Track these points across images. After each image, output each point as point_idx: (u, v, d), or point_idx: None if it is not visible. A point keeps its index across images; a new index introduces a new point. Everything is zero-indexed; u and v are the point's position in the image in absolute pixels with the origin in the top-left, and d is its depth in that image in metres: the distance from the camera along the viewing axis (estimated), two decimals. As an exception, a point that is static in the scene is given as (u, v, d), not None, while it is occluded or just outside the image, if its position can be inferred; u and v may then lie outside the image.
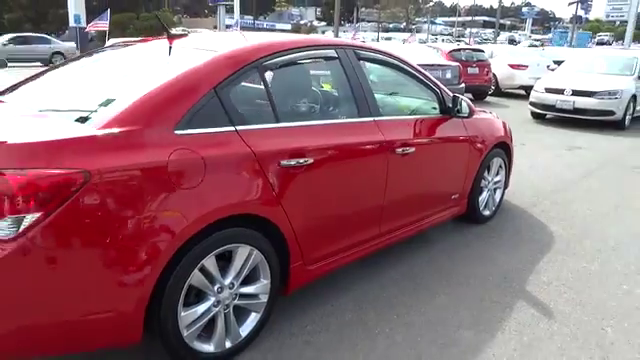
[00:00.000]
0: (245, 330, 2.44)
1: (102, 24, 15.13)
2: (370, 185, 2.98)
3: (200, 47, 2.58)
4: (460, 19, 64.44)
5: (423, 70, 3.57)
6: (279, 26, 58.52)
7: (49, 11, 36.45)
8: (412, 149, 3.17)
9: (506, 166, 4.48)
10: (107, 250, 1.89)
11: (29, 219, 1.73)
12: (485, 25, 77.11)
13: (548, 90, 9.64)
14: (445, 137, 3.58)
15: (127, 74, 2.60)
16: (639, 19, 30.39)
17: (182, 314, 2.14)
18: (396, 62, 3.41)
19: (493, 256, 3.71)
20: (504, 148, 4.37)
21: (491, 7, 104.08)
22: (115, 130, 1.95)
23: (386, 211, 3.13)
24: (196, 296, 2.23)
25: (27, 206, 1.73)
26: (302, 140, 2.54)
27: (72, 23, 30.24)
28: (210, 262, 2.20)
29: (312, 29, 60.91)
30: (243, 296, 2.40)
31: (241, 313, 2.43)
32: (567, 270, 3.50)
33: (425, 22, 71.24)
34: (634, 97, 9.33)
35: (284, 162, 2.42)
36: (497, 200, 4.46)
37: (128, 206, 1.92)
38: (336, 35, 30.62)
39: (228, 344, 2.37)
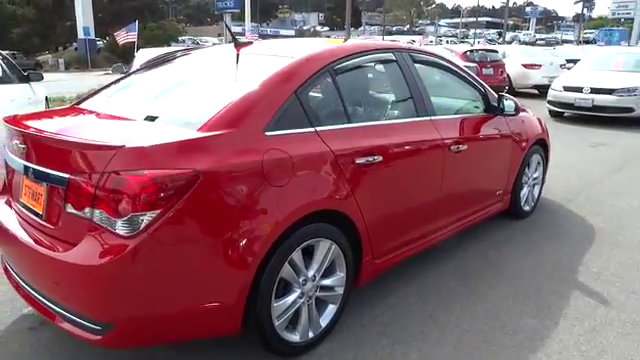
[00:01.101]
0: (324, 321, 2.57)
1: (131, 35, 15.39)
2: (429, 181, 3.12)
3: (274, 54, 2.73)
4: (463, 20, 64.63)
5: (468, 70, 3.70)
6: (283, 32, 58.88)
7: (57, 24, 36.89)
8: (464, 147, 3.30)
9: (544, 162, 4.60)
10: (216, 244, 2.03)
11: (149, 216, 1.87)
12: (488, 26, 77.29)
13: (566, 88, 9.74)
14: (492, 135, 3.71)
15: (208, 79, 2.75)
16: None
17: (274, 305, 2.27)
18: (444, 63, 3.55)
19: (539, 249, 3.82)
20: (542, 145, 4.49)
21: (493, 7, 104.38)
22: (215, 133, 2.09)
23: (442, 206, 3.26)
24: (283, 289, 2.36)
25: (147, 204, 1.87)
26: (372, 139, 2.68)
27: (81, 35, 30.66)
28: (297, 256, 2.33)
29: (316, 34, 61.23)
30: (323, 288, 2.53)
31: (321, 305, 2.56)
32: (614, 261, 3.61)
33: (428, 24, 71.57)
34: (653, 93, 9.41)
35: (358, 160, 2.56)
36: (536, 196, 4.58)
37: (231, 203, 2.06)
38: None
39: (311, 334, 2.49)
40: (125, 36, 15.61)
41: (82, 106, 2.80)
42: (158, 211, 1.88)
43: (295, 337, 2.42)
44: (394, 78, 3.06)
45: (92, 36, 30.98)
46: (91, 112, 2.61)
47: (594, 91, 9.35)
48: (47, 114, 2.98)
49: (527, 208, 4.45)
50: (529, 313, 2.92)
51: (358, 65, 2.89)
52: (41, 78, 6.74)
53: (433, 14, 77.08)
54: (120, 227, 1.88)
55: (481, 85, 3.73)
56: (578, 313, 2.92)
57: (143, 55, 7.09)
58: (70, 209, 2.01)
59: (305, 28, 66.57)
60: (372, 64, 3.07)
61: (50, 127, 2.31)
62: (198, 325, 2.11)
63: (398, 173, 2.85)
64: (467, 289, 3.18)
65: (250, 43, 3.00)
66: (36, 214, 2.23)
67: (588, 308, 2.97)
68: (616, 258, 3.67)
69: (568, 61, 14.16)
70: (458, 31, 56.63)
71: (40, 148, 2.17)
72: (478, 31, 53.86)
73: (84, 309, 1.97)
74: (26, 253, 2.22)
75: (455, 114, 3.62)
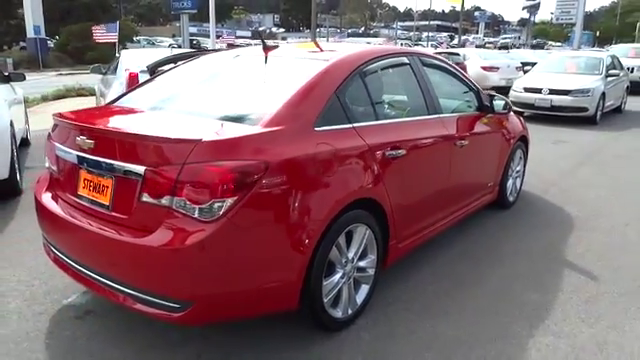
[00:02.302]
0: (359, 299, 2.83)
1: (112, 35, 15.16)
2: (439, 173, 3.44)
3: (308, 57, 2.97)
4: (415, 24, 66.35)
5: (465, 73, 4.06)
6: (239, 33, 58.52)
7: (2, 23, 35.34)
8: (466, 142, 3.65)
9: (524, 157, 5.03)
10: (281, 227, 2.26)
11: (227, 203, 2.07)
12: (439, 29, 79.65)
13: (527, 90, 10.40)
14: (486, 131, 4.08)
15: (252, 79, 2.95)
16: (586, 21, 32.27)
17: (324, 283, 2.51)
18: (445, 66, 3.89)
19: (528, 234, 4.22)
20: (524, 141, 4.91)
21: (443, 11, 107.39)
22: (276, 128, 2.32)
23: (448, 196, 3.59)
24: (328, 269, 2.60)
25: (226, 192, 2.07)
26: (397, 134, 2.97)
27: (31, 34, 29.50)
28: (342, 239, 2.58)
29: (272, 36, 61.30)
30: (358, 269, 2.79)
31: (356, 285, 2.81)
32: (594, 243, 4.05)
33: (382, 27, 73.03)
34: (603, 94, 10.20)
35: (387, 153, 2.84)
36: (518, 187, 5.00)
37: (294, 190, 2.29)
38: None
39: (349, 311, 2.74)
40: (105, 36, 15.42)
41: (124, 104, 2.94)
42: (235, 198, 2.08)
43: (338, 313, 2.67)
44: (409, 80, 3.36)
45: (43, 35, 29.86)
46: (140, 110, 2.77)
47: (552, 92, 10.03)
48: (97, 112, 3.08)
49: (511, 199, 4.86)
50: (530, 289, 3.27)
51: (380, 67, 3.16)
52: (23, 78, 6.65)
53: (386, 17, 78.61)
54: (201, 213, 2.07)
55: (475, 85, 4.09)
56: (573, 287, 3.30)
57: (129, 56, 7.10)
58: (146, 198, 2.17)
59: (261, 29, 66.44)
60: (390, 67, 3.35)
61: (116, 124, 2.46)
62: (264, 302, 2.32)
63: (417, 165, 3.15)
64: (473, 271, 3.51)
65: (277, 46, 3.22)
66: (101, 205, 2.37)
67: (580, 283, 3.37)
68: (596, 241, 4.11)
69: (523, 64, 14.96)
70: (412, 34, 58.18)
71: (110, 143, 2.32)
72: (432, 34, 55.51)
73: (164, 289, 2.14)
74: (92, 242, 2.36)
75: (454, 112, 3.96)
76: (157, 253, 2.10)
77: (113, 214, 2.32)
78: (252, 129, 2.29)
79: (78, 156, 2.46)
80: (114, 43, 18.96)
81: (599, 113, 10.20)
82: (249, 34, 58.76)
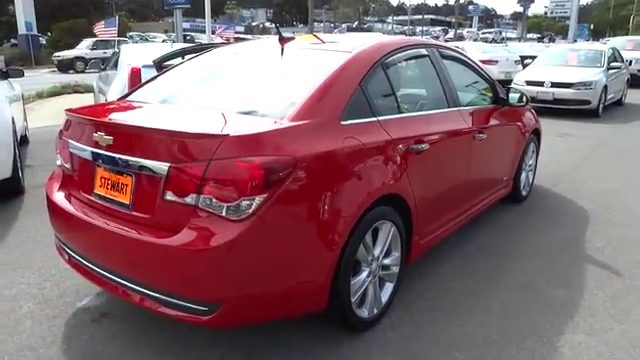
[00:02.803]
0: (384, 298, 2.75)
1: (111, 30, 15.14)
2: (460, 167, 3.36)
3: (328, 48, 2.87)
4: (409, 18, 66.20)
5: (481, 65, 3.97)
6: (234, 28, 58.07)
7: (-7, 19, 34.92)
8: (484, 135, 3.57)
9: (537, 150, 4.96)
10: (311, 225, 2.17)
11: (257, 201, 1.98)
12: (433, 23, 79.55)
13: (529, 83, 10.34)
14: (504, 124, 4.00)
15: (271, 71, 2.84)
16: (580, 14, 32.31)
17: (352, 283, 2.43)
18: (462, 57, 3.80)
19: (545, 228, 4.16)
20: (536, 134, 4.84)
21: (436, 5, 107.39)
22: (303, 122, 2.22)
23: (467, 190, 3.51)
24: (354, 268, 2.51)
25: (257, 189, 1.97)
26: (420, 128, 2.89)
27: (22, 30, 29.12)
28: (368, 237, 2.49)
29: (265, 30, 60.93)
30: (383, 267, 2.70)
31: (380, 283, 2.73)
32: (612, 237, 3.99)
33: (376, 21, 72.85)
34: (605, 87, 10.16)
35: (410, 147, 2.75)
36: (530, 181, 4.93)
37: (322, 186, 2.20)
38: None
39: (375, 310, 2.66)
40: (105, 31, 15.42)
41: (137, 99, 2.83)
42: (265, 195, 1.99)
43: (364, 313, 2.59)
44: (428, 71, 3.27)
45: (35, 31, 29.48)
46: (156, 105, 2.66)
47: (554, 85, 9.98)
48: (111, 107, 2.93)
49: (524, 193, 4.80)
50: (554, 284, 3.21)
51: (401, 59, 3.08)
52: (21, 75, 6.51)
53: (380, 11, 78.42)
54: (230, 211, 1.97)
55: (491, 78, 4.01)
56: (596, 282, 3.24)
57: (129, 52, 6.96)
58: (170, 197, 2.08)
59: (254, 24, 66.05)
60: (411, 58, 3.26)
61: (134, 119, 2.36)
62: (293, 303, 2.23)
63: (439, 159, 3.07)
64: (493, 267, 3.44)
65: (293, 38, 3.12)
66: (120, 204, 2.27)
67: (603, 278, 3.30)
68: (613, 234, 4.05)
69: (522, 57, 14.92)
70: (406, 28, 58.05)
71: (130, 139, 2.21)
72: (426, 28, 55.39)
73: (191, 291, 2.05)
74: (112, 243, 2.26)
75: (470, 105, 3.87)
76: (183, 254, 2.00)
77: (134, 213, 2.22)
78: (279, 123, 2.19)
79: (94, 153, 2.35)
80: (108, 40, 18.85)
81: (601, 106, 10.17)
82: (242, 29, 58.33)
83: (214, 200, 1.99)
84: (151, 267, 2.13)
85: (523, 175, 4.70)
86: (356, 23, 67.79)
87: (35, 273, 3.26)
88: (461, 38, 50.45)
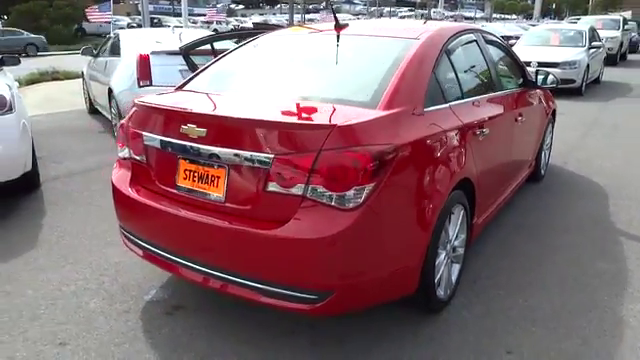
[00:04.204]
0: (453, 278, 2.83)
1: (106, 15, 14.62)
2: (506, 149, 3.47)
3: (394, 35, 2.89)
4: (374, -2, 66.14)
5: (513, 49, 4.06)
6: (197, 10, 56.80)
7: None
8: (524, 118, 3.68)
9: (552, 130, 5.12)
10: (411, 211, 2.23)
11: (368, 189, 2.01)
12: (398, 3, 79.60)
13: (516, 63, 10.55)
14: (535, 106, 4.13)
15: (344, 59, 2.81)
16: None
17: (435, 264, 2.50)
18: (498, 41, 3.89)
19: (569, 205, 4.34)
20: (553, 114, 5.00)
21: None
22: (396, 110, 2.25)
23: (510, 171, 3.63)
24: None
25: (367, 177, 2.00)
26: (482, 112, 2.96)
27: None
28: (448, 221, 2.56)
29: (231, 12, 59.81)
30: (453, 249, 2.78)
31: (450, 265, 2.81)
32: (634, 211, 4.19)
33: (344, 2, 72.43)
34: (588, 66, 10.49)
35: (477, 131, 2.82)
36: (547, 160, 5.10)
37: (418, 173, 2.25)
38: (291, 21, 30.65)
39: (448, 291, 2.75)
40: (99, 16, 14.91)
41: (205, 89, 2.78)
42: (373, 184, 2.02)
43: (441, 294, 2.66)
44: (478, 56, 3.33)
45: (-7, 16, 28.12)
46: (235, 95, 2.65)
47: (541, 65, 10.18)
48: (186, 98, 2.74)
49: (542, 172, 4.96)
50: (597, 258, 3.37)
51: (459, 45, 3.12)
52: (18, 62, 6.25)
53: (345, -8, 77.77)
54: (341, 200, 2.00)
55: (519, 60, 4.11)
56: (636, 254, 3.41)
57: (130, 37, 6.76)
58: (274, 188, 2.08)
59: (219, 6, 64.58)
60: (466, 44, 3.30)
61: (225, 110, 2.34)
62: (392, 287, 2.29)
63: (494, 142, 3.15)
64: (534, 244, 3.58)
65: (347, 25, 3.11)
66: (210, 196, 2.26)
67: (640, 250, 3.49)
68: (634, 209, 4.25)
69: (504, 38, 15.15)
70: (374, 9, 57.97)
71: (227, 131, 2.19)
72: (393, 9, 55.47)
73: (303, 280, 2.07)
74: (206, 236, 2.25)
75: (508, 88, 3.93)
76: (296, 244, 2.02)
77: (228, 205, 2.21)
78: (376, 112, 2.21)
79: (179, 145, 2.32)
80: (73, 26, 18.13)
81: (584, 84, 10.50)
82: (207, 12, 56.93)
83: (324, 190, 2.00)
84: (256, 258, 2.13)
85: (542, 154, 4.86)
86: (323, 4, 67.27)
87: (87, 268, 3.21)
88: (429, 19, 50.75)
